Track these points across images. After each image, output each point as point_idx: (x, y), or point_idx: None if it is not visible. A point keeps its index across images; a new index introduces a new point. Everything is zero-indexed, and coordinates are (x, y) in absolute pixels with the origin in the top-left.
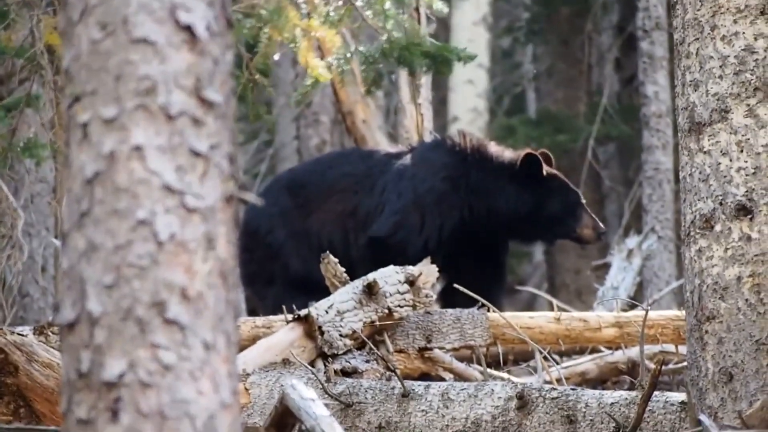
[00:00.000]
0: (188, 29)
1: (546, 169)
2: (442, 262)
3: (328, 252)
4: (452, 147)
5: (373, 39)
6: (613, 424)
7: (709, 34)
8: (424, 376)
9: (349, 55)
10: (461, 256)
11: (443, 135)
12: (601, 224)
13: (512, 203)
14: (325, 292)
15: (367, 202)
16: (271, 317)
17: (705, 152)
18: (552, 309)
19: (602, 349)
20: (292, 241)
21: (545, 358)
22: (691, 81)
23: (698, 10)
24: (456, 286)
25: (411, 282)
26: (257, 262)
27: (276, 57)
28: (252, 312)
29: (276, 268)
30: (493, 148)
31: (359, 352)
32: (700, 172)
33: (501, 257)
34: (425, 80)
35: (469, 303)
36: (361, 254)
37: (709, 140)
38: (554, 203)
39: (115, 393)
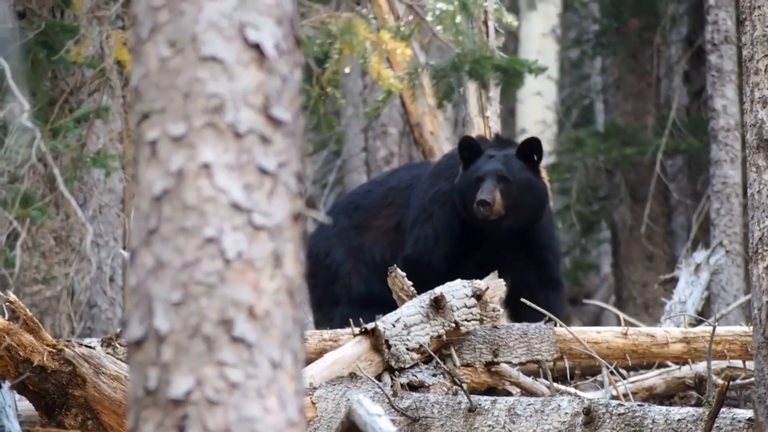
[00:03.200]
0: (257, 47)
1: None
2: (476, 269)
3: (395, 266)
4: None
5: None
6: None
7: None
8: (491, 391)
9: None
10: (494, 260)
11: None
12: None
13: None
14: (389, 308)
15: (407, 215)
16: (339, 330)
17: None
18: (619, 322)
19: (669, 364)
20: (351, 261)
21: (612, 373)
22: (759, 98)
23: (767, 26)
24: (523, 300)
25: (478, 296)
26: (321, 286)
27: (347, 71)
28: None
29: (339, 289)
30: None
31: (426, 366)
32: None
33: (540, 253)
34: (494, 92)
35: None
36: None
37: None
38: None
39: (182, 410)
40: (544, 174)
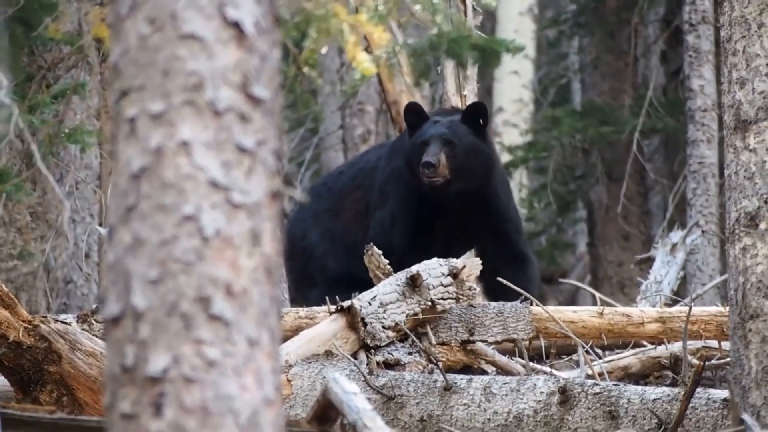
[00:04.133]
0: (236, 25)
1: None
2: (439, 247)
3: (372, 244)
4: None
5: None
6: (656, 420)
7: (756, 31)
8: (467, 369)
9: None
10: (456, 237)
11: None
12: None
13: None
14: (365, 288)
15: (372, 198)
16: (315, 308)
17: (750, 150)
18: (595, 302)
19: (645, 343)
20: (326, 242)
21: (587, 352)
22: (737, 78)
23: (745, 7)
24: (500, 279)
25: (454, 274)
26: (298, 269)
27: (324, 51)
28: None
29: (315, 270)
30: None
31: (402, 344)
32: (745, 170)
33: (499, 227)
34: (471, 71)
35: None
36: None
37: (755, 138)
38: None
39: (159, 388)
40: (491, 139)
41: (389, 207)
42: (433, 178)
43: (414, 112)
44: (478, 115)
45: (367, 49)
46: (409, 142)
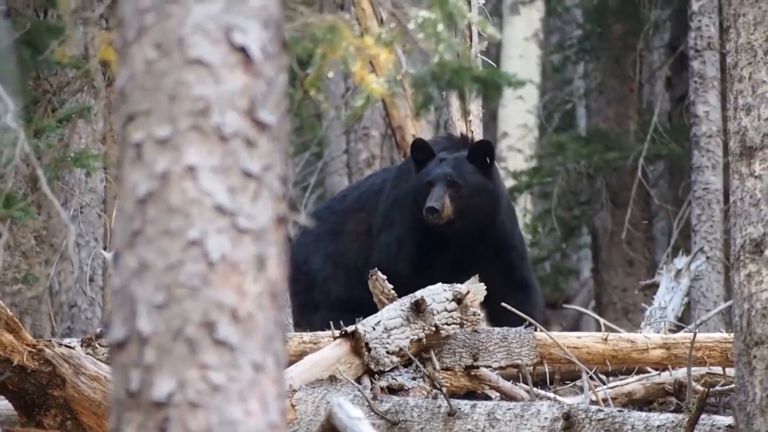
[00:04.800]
0: (243, 50)
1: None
2: (444, 273)
3: (376, 268)
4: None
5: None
6: None
7: (762, 58)
8: (471, 395)
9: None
10: (462, 263)
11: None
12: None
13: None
14: (369, 312)
15: (376, 220)
16: (319, 333)
17: (756, 177)
18: (599, 328)
19: (649, 369)
20: (329, 265)
21: (591, 378)
22: (743, 105)
23: (751, 34)
24: (504, 305)
25: (458, 300)
26: (302, 293)
27: (330, 74)
28: None
29: (318, 295)
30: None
31: (406, 369)
32: (750, 197)
33: (505, 255)
34: (474, 97)
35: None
36: None
37: (760, 165)
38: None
39: (164, 413)
40: (497, 175)
41: (395, 231)
42: (436, 222)
43: (420, 149)
44: (484, 153)
45: (372, 73)
46: (415, 178)
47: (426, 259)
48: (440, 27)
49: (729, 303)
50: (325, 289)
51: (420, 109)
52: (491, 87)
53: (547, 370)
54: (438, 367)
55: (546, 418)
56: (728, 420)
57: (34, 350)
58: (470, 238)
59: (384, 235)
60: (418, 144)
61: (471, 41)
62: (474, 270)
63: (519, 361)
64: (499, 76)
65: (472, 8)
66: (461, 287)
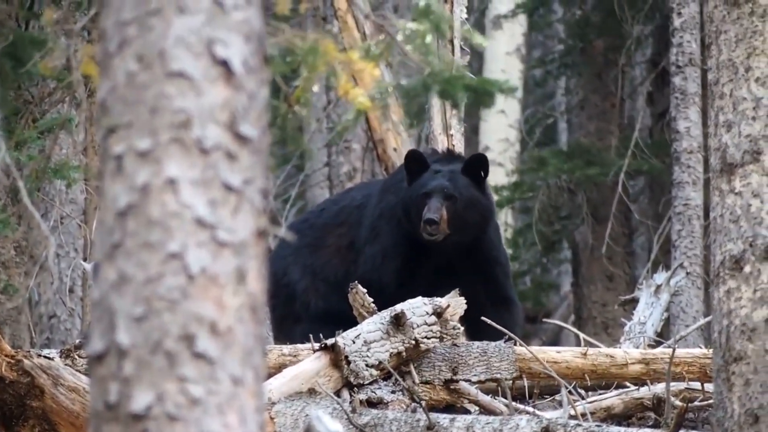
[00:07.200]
0: (224, 64)
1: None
2: (428, 286)
3: (356, 282)
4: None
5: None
6: None
7: (743, 75)
8: (450, 408)
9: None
10: (445, 277)
11: None
12: (431, 215)
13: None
14: (348, 325)
15: (359, 234)
16: (298, 345)
17: (736, 193)
18: (578, 342)
19: (628, 384)
20: (308, 278)
21: (571, 392)
22: (724, 122)
23: (733, 51)
24: (484, 319)
25: (438, 314)
26: (281, 306)
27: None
28: None
29: (298, 308)
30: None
31: (385, 382)
32: (730, 213)
33: (488, 269)
34: (456, 111)
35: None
36: None
37: (740, 181)
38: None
39: (143, 425)
40: (489, 191)
41: (380, 243)
42: (434, 235)
43: (415, 160)
44: (479, 167)
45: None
46: (409, 189)
47: (411, 272)
48: (429, 38)
49: (708, 319)
50: (304, 301)
51: (413, 120)
52: (483, 94)
53: (526, 384)
54: (417, 380)
55: None
56: None
57: (12, 361)
58: (456, 252)
59: (369, 247)
60: (414, 155)
61: (453, 55)
62: (457, 283)
63: (498, 375)
64: (489, 84)
65: (455, 23)
66: (441, 301)
